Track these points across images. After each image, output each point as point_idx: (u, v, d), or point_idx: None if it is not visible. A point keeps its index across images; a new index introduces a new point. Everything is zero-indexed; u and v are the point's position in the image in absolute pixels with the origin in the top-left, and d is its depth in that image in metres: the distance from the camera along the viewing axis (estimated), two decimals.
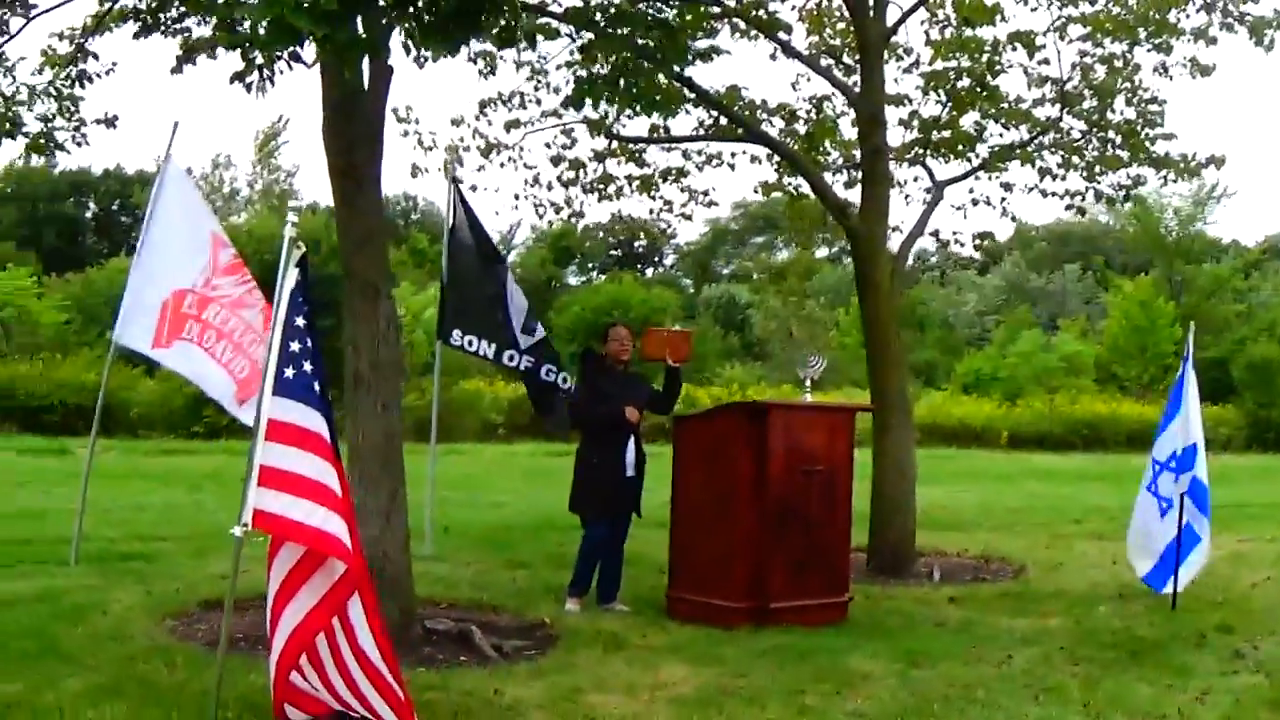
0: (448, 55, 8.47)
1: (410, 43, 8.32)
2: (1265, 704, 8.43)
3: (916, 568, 14.06)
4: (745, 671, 8.90)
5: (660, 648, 9.71)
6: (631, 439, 11.21)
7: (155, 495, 18.99)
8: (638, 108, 12.27)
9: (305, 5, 7.02)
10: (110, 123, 11.54)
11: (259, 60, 8.29)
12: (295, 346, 6.85)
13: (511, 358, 13.85)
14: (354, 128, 9.47)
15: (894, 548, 14.07)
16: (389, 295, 9.62)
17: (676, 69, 13.21)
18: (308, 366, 6.84)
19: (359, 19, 7.94)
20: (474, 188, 16.08)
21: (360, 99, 9.43)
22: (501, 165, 15.73)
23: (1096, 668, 9.29)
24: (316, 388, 6.85)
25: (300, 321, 6.89)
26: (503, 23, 8.86)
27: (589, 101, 11.85)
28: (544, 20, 11.47)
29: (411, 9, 7.97)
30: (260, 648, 7.08)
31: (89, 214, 69.72)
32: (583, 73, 12.57)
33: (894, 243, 15.66)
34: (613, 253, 77.03)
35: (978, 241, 16.76)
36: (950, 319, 70.54)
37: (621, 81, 11.43)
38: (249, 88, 8.44)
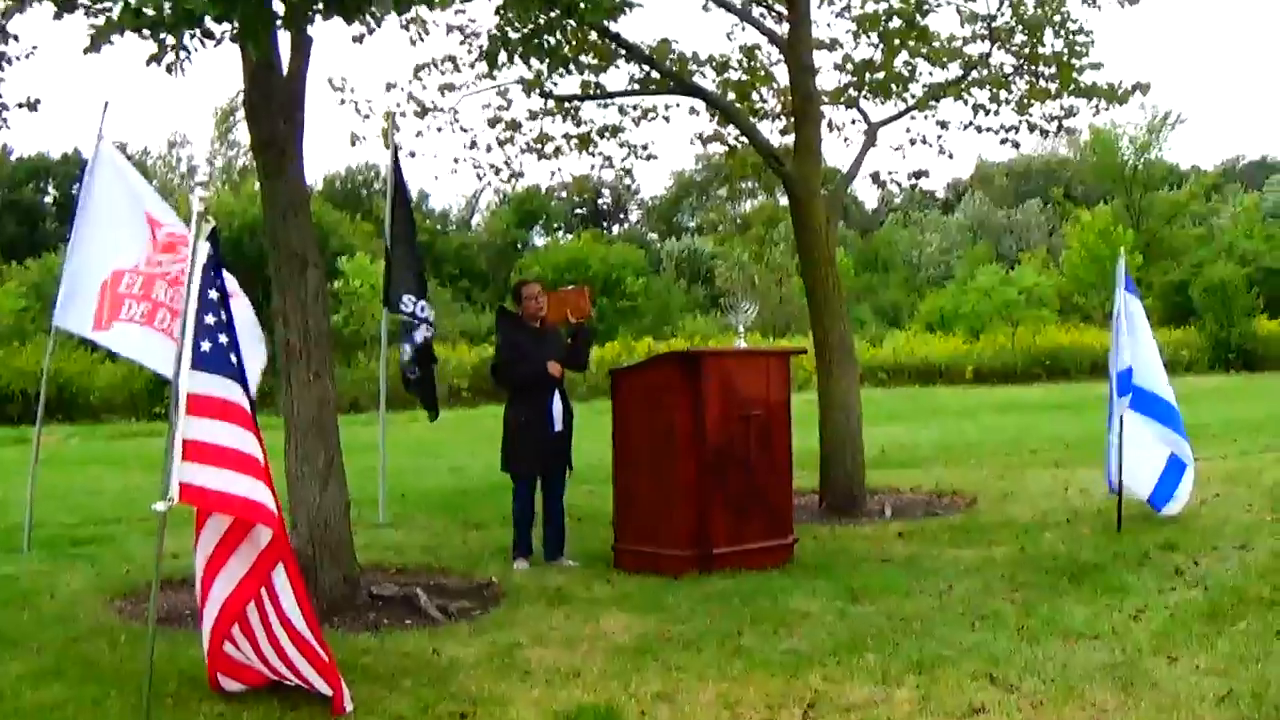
0: (362, 26, 8.48)
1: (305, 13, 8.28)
2: (1200, 617, 8.56)
3: (869, 506, 14.17)
4: (686, 618, 8.98)
5: (604, 599, 9.79)
6: (556, 394, 11.32)
7: (113, 479, 18.95)
8: (547, 63, 12.24)
9: None
10: (32, 106, 11.38)
11: (170, 42, 8.27)
12: (210, 319, 6.88)
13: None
14: (274, 101, 9.46)
15: (844, 488, 14.17)
16: (316, 264, 9.60)
17: (603, 24, 13.24)
18: (223, 339, 6.88)
19: None
20: (412, 154, 16.09)
21: (277, 73, 9.43)
22: (439, 130, 15.70)
23: (1036, 592, 9.43)
24: (233, 359, 6.90)
25: (213, 294, 6.92)
26: None
27: (504, 58, 11.84)
28: None
29: None
30: None
31: (49, 199, 69.11)
32: (503, 32, 12.54)
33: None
34: (578, 211, 77.01)
35: (913, 181, 16.85)
36: (914, 259, 70.81)
37: (544, 40, 11.43)
38: (169, 69, 8.44)
